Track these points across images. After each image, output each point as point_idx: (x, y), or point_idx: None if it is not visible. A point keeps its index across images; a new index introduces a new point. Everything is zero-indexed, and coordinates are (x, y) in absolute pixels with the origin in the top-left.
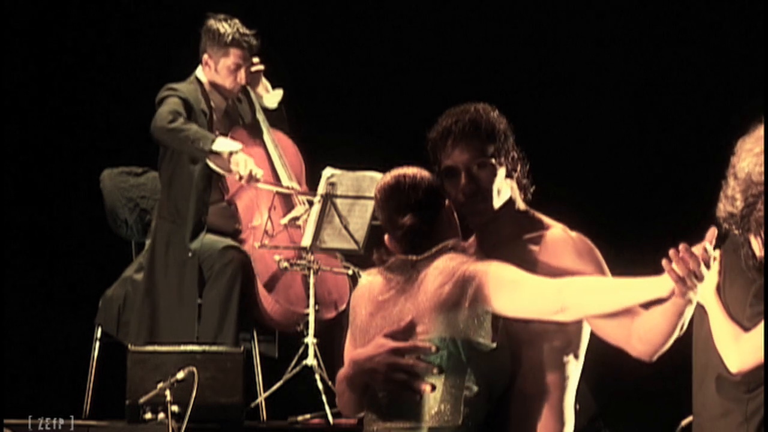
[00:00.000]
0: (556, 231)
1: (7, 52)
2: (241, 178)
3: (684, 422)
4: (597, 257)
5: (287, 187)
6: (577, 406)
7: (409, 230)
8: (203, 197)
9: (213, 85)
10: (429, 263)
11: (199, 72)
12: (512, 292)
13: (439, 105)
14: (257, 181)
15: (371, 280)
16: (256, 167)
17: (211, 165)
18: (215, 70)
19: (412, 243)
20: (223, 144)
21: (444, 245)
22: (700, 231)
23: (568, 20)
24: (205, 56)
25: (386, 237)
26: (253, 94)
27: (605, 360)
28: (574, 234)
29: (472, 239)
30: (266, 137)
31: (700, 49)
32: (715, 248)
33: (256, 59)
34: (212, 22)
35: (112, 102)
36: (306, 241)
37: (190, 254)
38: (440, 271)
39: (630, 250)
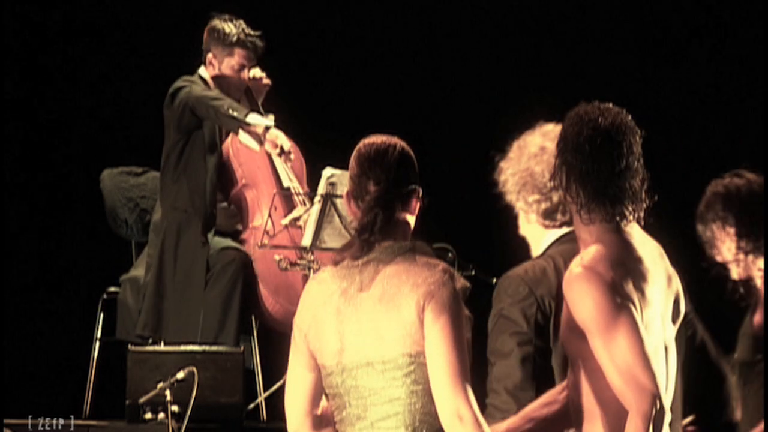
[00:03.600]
0: (575, 260)
1: (8, 52)
2: (281, 153)
3: (685, 421)
4: (582, 300)
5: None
6: None
7: (378, 200)
8: (215, 191)
9: (217, 82)
10: (384, 266)
11: (202, 71)
12: (430, 361)
13: (439, 104)
14: (290, 159)
15: (323, 289)
16: (287, 142)
17: (242, 138)
18: (219, 70)
19: (375, 214)
20: (257, 118)
21: (392, 244)
22: None
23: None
24: (209, 55)
25: (350, 202)
26: (254, 95)
27: None
28: (578, 270)
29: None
30: None
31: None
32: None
33: (263, 74)
34: (217, 22)
35: (113, 102)
36: (306, 241)
37: (203, 242)
38: (400, 281)
39: None
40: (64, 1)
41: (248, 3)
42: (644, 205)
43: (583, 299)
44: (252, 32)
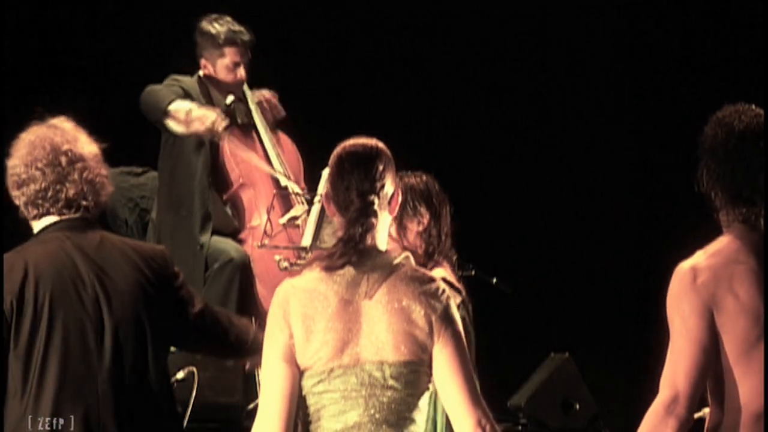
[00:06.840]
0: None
1: (8, 51)
2: (209, 132)
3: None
4: (669, 292)
5: (281, 175)
6: (577, 406)
7: (363, 210)
8: (207, 187)
9: (214, 83)
10: (386, 275)
11: (201, 73)
12: (443, 376)
13: (439, 104)
14: (217, 132)
15: (315, 294)
16: (220, 120)
17: (170, 125)
18: (214, 72)
19: (361, 224)
20: (179, 104)
21: (388, 253)
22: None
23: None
24: (203, 60)
25: (329, 204)
26: (249, 95)
27: (606, 360)
28: (679, 267)
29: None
30: (264, 137)
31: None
32: None
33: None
34: (204, 24)
35: (112, 102)
36: (306, 241)
37: (199, 246)
38: (407, 290)
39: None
40: (66, 1)
41: (248, 3)
42: None
43: (669, 292)
44: (239, 27)
